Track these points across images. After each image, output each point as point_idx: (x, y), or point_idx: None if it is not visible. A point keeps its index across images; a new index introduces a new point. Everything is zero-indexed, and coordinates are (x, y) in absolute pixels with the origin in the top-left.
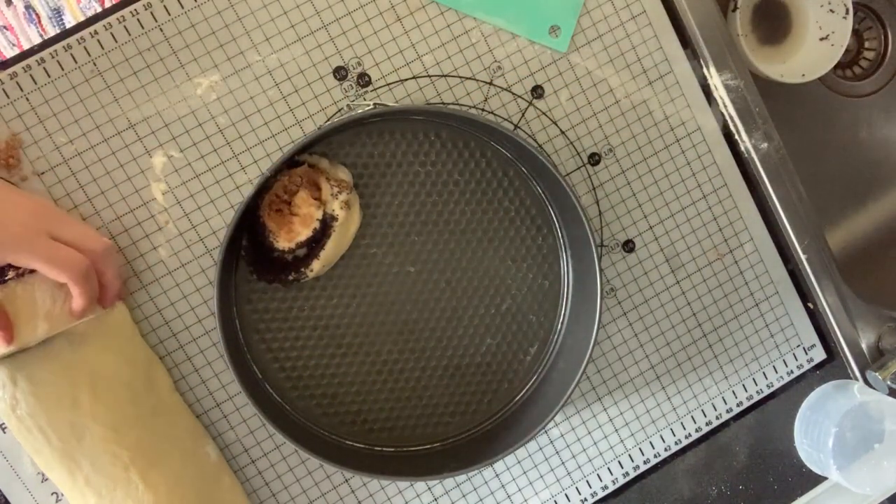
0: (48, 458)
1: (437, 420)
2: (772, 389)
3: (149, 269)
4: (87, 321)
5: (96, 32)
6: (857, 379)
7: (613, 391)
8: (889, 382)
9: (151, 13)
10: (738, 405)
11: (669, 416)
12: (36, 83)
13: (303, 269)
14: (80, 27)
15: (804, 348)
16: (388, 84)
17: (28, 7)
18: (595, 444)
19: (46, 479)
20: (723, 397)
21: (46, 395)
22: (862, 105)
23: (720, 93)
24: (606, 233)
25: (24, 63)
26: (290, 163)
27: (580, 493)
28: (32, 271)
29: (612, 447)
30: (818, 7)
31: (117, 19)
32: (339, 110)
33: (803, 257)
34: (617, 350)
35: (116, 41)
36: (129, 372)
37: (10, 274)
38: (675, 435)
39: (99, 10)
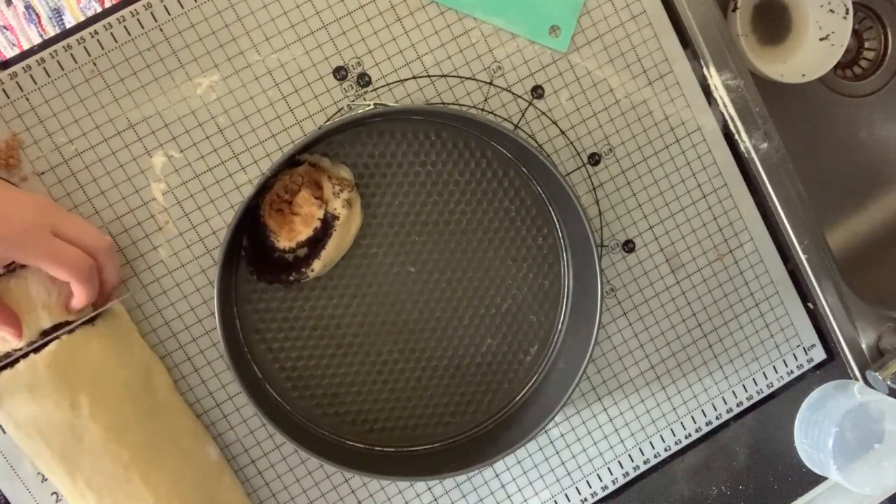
0: (48, 460)
1: (437, 420)
2: (772, 389)
3: (149, 269)
4: (85, 322)
5: (96, 32)
6: (857, 379)
7: (613, 391)
8: (889, 382)
9: (151, 13)
10: (738, 405)
11: (669, 416)
12: (36, 83)
13: (304, 269)
14: (80, 27)
15: (804, 348)
16: (388, 84)
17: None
18: (595, 444)
19: (46, 479)
20: (723, 397)
21: (44, 399)
22: (862, 105)
23: (720, 93)
24: (606, 233)
25: (24, 63)
26: (291, 162)
27: (580, 493)
28: (23, 266)
29: (612, 447)
30: (818, 7)
31: (117, 19)
32: (339, 110)
33: (803, 257)
34: (617, 350)
35: (116, 41)
36: (127, 372)
37: (0, 270)
38: (675, 435)
39: (99, 10)
